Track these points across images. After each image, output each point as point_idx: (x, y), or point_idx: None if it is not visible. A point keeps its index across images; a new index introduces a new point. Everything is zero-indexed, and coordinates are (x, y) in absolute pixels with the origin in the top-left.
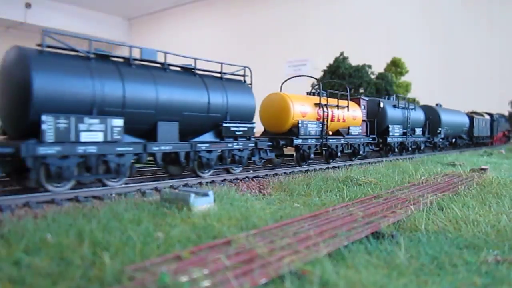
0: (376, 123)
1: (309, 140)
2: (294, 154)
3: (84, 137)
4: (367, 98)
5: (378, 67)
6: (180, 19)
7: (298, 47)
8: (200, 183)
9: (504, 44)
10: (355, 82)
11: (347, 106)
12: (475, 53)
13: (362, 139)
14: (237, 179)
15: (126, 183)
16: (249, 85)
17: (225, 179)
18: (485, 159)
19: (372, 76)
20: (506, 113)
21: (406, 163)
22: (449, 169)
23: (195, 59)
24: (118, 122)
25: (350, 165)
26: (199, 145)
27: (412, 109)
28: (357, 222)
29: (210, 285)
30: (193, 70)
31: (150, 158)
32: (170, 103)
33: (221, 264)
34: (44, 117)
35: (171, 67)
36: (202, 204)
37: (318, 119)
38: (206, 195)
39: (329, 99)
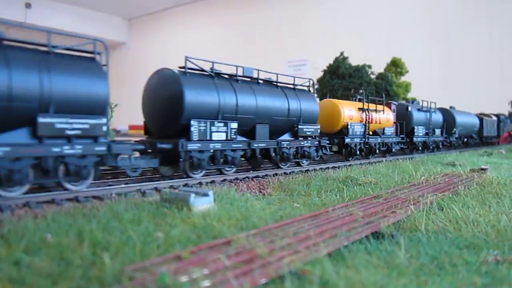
0: (404, 124)
1: (355, 139)
2: (343, 151)
3: (215, 136)
4: (396, 103)
5: (378, 67)
6: (180, 19)
7: (298, 47)
8: (200, 183)
9: (504, 44)
10: (355, 82)
11: (383, 110)
12: (475, 53)
13: (394, 138)
14: (237, 179)
15: (126, 183)
16: (314, 94)
17: (225, 179)
18: (485, 159)
19: (372, 76)
20: (506, 113)
21: (406, 163)
22: (449, 169)
23: (277, 74)
24: (234, 125)
25: (350, 165)
26: (283, 142)
27: (433, 111)
28: (357, 222)
29: (210, 285)
30: (275, 83)
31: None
32: (264, 110)
33: (221, 264)
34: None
35: (260, 81)
36: (202, 204)
37: (361, 121)
38: (206, 195)
39: (369, 104)
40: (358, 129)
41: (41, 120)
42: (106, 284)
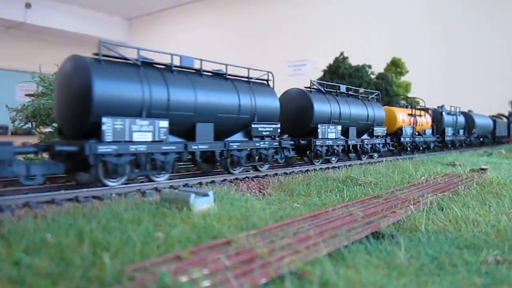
0: (438, 126)
1: (407, 138)
2: (397, 147)
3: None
4: (432, 108)
5: (378, 67)
6: (180, 19)
7: (298, 47)
8: (200, 183)
9: (504, 44)
10: (355, 82)
11: (424, 115)
12: (475, 53)
13: (431, 138)
14: (237, 179)
15: (126, 183)
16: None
17: (225, 179)
18: (485, 159)
19: (372, 76)
20: (506, 113)
21: (406, 163)
22: (449, 169)
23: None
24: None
25: (350, 165)
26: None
27: (458, 115)
28: (357, 222)
29: (210, 285)
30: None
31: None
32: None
33: (221, 264)
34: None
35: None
36: (202, 204)
37: (410, 124)
38: (206, 195)
39: (415, 110)
40: (409, 130)
41: (253, 126)
42: (106, 284)
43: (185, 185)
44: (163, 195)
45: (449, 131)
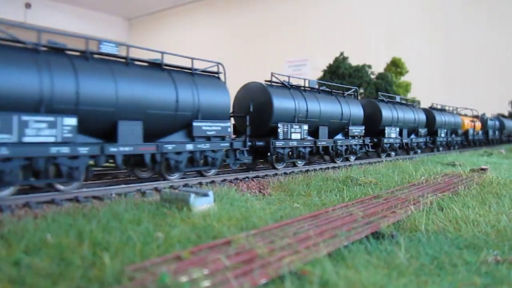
0: (484, 128)
1: (470, 137)
2: (460, 142)
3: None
4: (480, 115)
5: (378, 67)
6: (180, 19)
7: (298, 47)
8: (200, 183)
9: (504, 44)
10: (355, 82)
11: (477, 121)
12: (475, 53)
13: (482, 137)
14: (237, 179)
15: (126, 183)
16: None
17: (225, 179)
18: (485, 159)
19: (372, 76)
20: (506, 113)
21: (406, 163)
22: (449, 169)
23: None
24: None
25: (350, 165)
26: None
27: (496, 120)
28: (357, 222)
29: (210, 285)
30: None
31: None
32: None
33: (221, 264)
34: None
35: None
36: (202, 204)
37: (472, 127)
38: (206, 195)
39: (471, 117)
40: (471, 131)
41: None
42: (106, 284)
43: (185, 185)
44: (163, 195)
45: (490, 132)
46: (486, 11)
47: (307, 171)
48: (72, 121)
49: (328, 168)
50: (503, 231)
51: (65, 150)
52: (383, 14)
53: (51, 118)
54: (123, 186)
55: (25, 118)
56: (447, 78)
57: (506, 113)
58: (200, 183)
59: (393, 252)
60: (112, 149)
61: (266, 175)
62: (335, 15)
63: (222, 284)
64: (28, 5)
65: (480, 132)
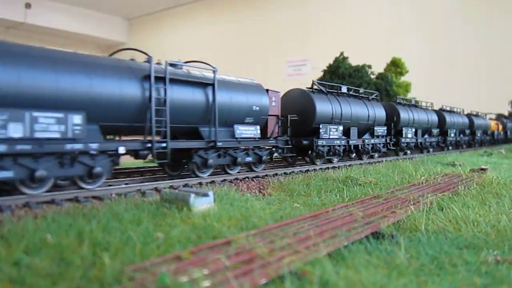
0: (504, 129)
1: (495, 136)
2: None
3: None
4: (497, 117)
5: (378, 67)
6: (180, 19)
7: (298, 47)
8: (200, 183)
9: (504, 44)
10: (355, 82)
11: (500, 122)
12: (475, 53)
13: (502, 136)
14: (237, 179)
15: (126, 183)
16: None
17: (225, 179)
18: (485, 159)
19: (372, 76)
20: (506, 113)
21: (406, 163)
22: (449, 169)
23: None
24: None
25: (350, 165)
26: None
27: (510, 121)
28: (357, 222)
29: (210, 285)
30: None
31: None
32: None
33: (221, 264)
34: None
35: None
36: (202, 204)
37: (496, 128)
38: (206, 195)
39: (496, 120)
40: (496, 132)
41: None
42: (106, 284)
43: (185, 185)
44: (163, 195)
45: (508, 132)
46: (486, 11)
47: (307, 171)
48: (341, 128)
49: (328, 168)
50: (503, 231)
51: (340, 141)
52: (383, 14)
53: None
54: (123, 186)
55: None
56: (447, 78)
57: (506, 113)
58: (200, 183)
59: (393, 252)
60: (350, 142)
61: (266, 175)
62: (335, 15)
63: (222, 284)
64: (28, 5)
65: (502, 133)
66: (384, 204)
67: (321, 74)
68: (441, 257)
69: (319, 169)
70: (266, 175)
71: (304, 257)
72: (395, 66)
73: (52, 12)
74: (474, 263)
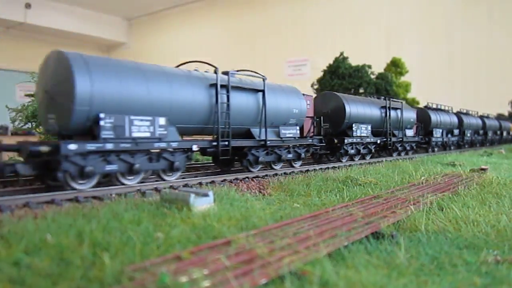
0: None
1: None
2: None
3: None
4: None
5: (378, 67)
6: (180, 19)
7: (298, 47)
8: (200, 183)
9: (504, 44)
10: (355, 82)
11: None
12: (475, 53)
13: None
14: (237, 179)
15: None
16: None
17: (225, 179)
18: (485, 159)
19: (372, 76)
20: (506, 113)
21: (406, 163)
22: (449, 169)
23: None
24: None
25: (350, 165)
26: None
27: None
28: (357, 222)
29: (210, 285)
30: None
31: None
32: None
33: (221, 264)
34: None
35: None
36: (202, 204)
37: None
38: (206, 195)
39: None
40: None
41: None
42: (106, 284)
43: (185, 185)
44: (163, 195)
45: None
46: (486, 11)
47: (307, 171)
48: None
49: (328, 168)
50: (503, 231)
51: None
52: (383, 14)
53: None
54: (123, 186)
55: None
56: (447, 78)
57: (506, 113)
58: (200, 183)
59: (393, 252)
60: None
61: (266, 175)
62: (335, 15)
63: (222, 284)
64: (28, 5)
65: None
66: (384, 204)
67: (321, 74)
68: (441, 257)
69: (319, 169)
70: (266, 175)
71: (304, 257)
72: (395, 66)
73: (52, 12)
74: (474, 263)
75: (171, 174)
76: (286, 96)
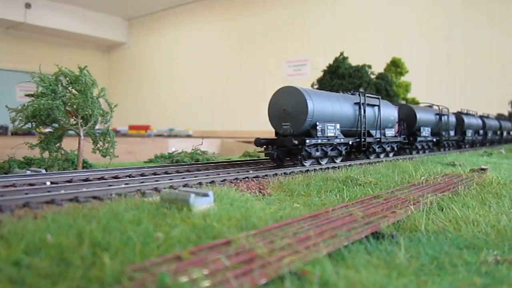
0: None
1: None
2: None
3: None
4: None
5: (378, 67)
6: (179, 19)
7: (298, 47)
8: (200, 183)
9: (504, 44)
10: (355, 82)
11: None
12: (475, 53)
13: None
14: (237, 179)
15: (126, 183)
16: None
17: (225, 179)
18: (485, 159)
19: (372, 76)
20: (506, 113)
21: (406, 163)
22: (449, 169)
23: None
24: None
25: (350, 165)
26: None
27: None
28: (357, 222)
29: (210, 286)
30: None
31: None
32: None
33: (221, 264)
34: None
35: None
36: (202, 204)
37: None
38: (206, 195)
39: None
40: None
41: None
42: (106, 284)
43: (185, 185)
44: (163, 195)
45: None
46: (486, 11)
47: (307, 171)
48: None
49: (328, 168)
50: (503, 231)
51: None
52: (383, 14)
53: None
54: (123, 186)
55: None
56: (447, 78)
57: (506, 113)
58: (200, 183)
59: (393, 252)
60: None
61: (266, 175)
62: (335, 15)
63: (222, 284)
64: (28, 5)
65: None
66: (384, 204)
67: (321, 74)
68: (441, 257)
69: (319, 169)
70: (266, 175)
71: (304, 257)
72: (395, 66)
73: (52, 12)
74: (474, 263)
75: (338, 159)
76: (388, 108)
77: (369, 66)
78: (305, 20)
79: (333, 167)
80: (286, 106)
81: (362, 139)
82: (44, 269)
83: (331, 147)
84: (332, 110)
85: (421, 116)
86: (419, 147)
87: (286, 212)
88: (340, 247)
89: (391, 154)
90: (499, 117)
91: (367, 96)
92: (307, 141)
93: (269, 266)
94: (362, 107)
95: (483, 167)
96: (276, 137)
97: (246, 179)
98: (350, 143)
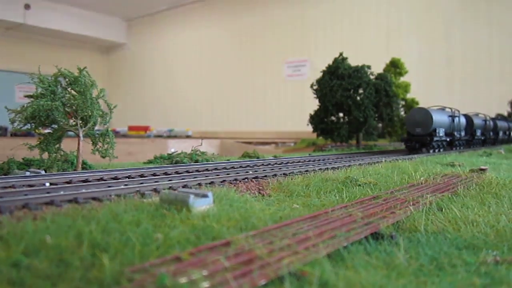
0: None
1: None
2: None
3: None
4: None
5: (377, 67)
6: (179, 20)
7: (297, 48)
8: (200, 184)
9: (504, 44)
10: (354, 83)
11: None
12: (474, 53)
13: None
14: (236, 180)
15: (125, 184)
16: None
17: (224, 180)
18: (484, 159)
19: (372, 77)
20: (506, 113)
21: (405, 164)
22: (448, 169)
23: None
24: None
25: (349, 165)
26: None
27: None
28: (356, 223)
29: (209, 286)
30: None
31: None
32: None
33: (221, 265)
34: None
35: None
36: (201, 205)
37: None
38: (205, 196)
39: None
40: None
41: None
42: (106, 285)
43: (185, 186)
44: (162, 196)
45: None
46: (485, 11)
47: (306, 171)
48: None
49: (327, 168)
50: (503, 232)
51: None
52: (383, 14)
53: None
54: (122, 187)
55: None
56: (447, 78)
57: (506, 113)
58: (200, 184)
59: (393, 252)
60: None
61: (265, 175)
62: (335, 15)
63: (221, 285)
64: (27, 6)
65: None
66: (384, 204)
67: (321, 74)
68: (441, 258)
69: (318, 169)
70: (265, 176)
71: (303, 257)
72: (395, 66)
73: (52, 13)
74: (474, 263)
75: (441, 149)
76: (457, 115)
77: (369, 67)
78: (304, 20)
79: (333, 168)
80: (419, 118)
81: (456, 137)
82: (43, 270)
83: (440, 142)
84: (441, 120)
85: (436, 118)
86: (435, 146)
87: (285, 213)
88: (339, 248)
89: (461, 147)
90: (497, 117)
91: (455, 110)
92: (434, 138)
93: (269, 267)
94: (455, 119)
95: (482, 167)
96: (412, 136)
97: (246, 179)
98: (448, 140)
